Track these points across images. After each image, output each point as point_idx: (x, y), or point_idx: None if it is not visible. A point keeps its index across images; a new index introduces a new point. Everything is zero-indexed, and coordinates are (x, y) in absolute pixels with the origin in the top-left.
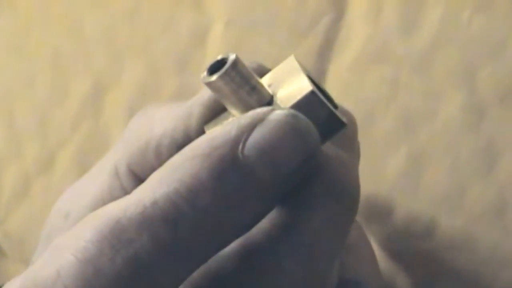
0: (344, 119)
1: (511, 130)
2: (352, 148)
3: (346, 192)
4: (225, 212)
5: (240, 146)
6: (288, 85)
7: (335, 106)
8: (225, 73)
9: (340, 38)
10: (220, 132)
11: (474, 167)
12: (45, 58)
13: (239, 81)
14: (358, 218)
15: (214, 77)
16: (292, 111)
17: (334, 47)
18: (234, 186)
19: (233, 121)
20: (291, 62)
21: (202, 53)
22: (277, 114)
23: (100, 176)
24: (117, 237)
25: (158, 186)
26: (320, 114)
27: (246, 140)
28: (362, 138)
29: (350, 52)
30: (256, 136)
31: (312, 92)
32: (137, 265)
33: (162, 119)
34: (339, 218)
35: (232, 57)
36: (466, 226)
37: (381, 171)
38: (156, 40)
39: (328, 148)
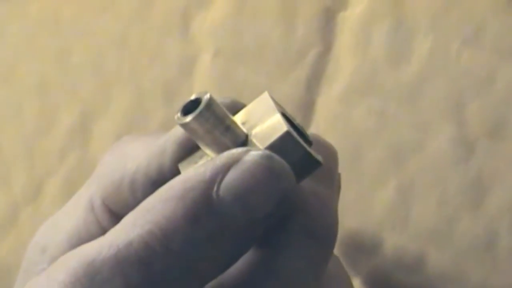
0: (319, 158)
1: (500, 163)
2: (331, 181)
3: (321, 228)
4: (199, 254)
5: (215, 188)
6: (263, 124)
7: (310, 142)
8: (199, 114)
9: (328, 70)
10: (194, 173)
11: (463, 200)
12: (32, 86)
13: (213, 122)
14: (346, 251)
15: (188, 119)
16: (267, 152)
17: (322, 79)
18: (208, 229)
19: (208, 162)
20: (265, 99)
21: (189, 82)
22: (252, 155)
23: (75, 210)
24: (90, 279)
25: (132, 227)
26: (295, 154)
27: (220, 181)
28: (350, 170)
29: (338, 84)
30: (231, 177)
31: (287, 133)
32: None
33: (135, 154)
34: (316, 254)
35: (206, 97)
36: (455, 260)
37: (369, 203)
38: (144, 70)
39: (305, 183)
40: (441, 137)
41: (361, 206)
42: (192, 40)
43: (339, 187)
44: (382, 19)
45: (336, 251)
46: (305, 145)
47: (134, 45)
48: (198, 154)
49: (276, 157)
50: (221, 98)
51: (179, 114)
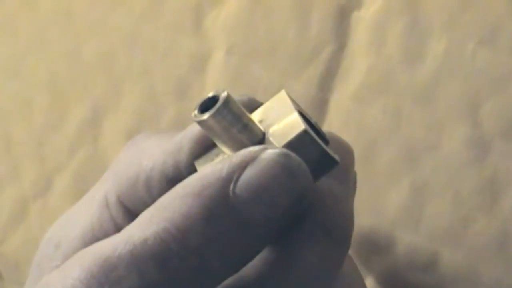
0: (336, 157)
1: None
2: (346, 179)
3: (337, 227)
4: (215, 252)
5: (232, 185)
6: (280, 122)
7: (326, 141)
8: (217, 111)
9: (342, 68)
10: (211, 170)
11: (477, 200)
12: (43, 82)
13: (230, 120)
14: (359, 250)
15: (206, 116)
16: (285, 150)
17: (336, 77)
18: (224, 226)
19: (225, 159)
20: (282, 97)
21: (202, 80)
22: (269, 153)
23: (90, 206)
24: (105, 275)
25: (148, 224)
26: (313, 152)
27: (237, 179)
28: (364, 169)
29: (352, 82)
30: (248, 175)
31: (304, 131)
32: None
33: (151, 152)
34: (331, 253)
35: (223, 95)
36: (469, 260)
37: (383, 203)
38: (156, 66)
39: (321, 180)
40: (455, 137)
41: (375, 205)
42: (204, 37)
43: (355, 186)
44: (397, 17)
45: (349, 250)
46: (322, 143)
47: (145, 41)
48: (214, 151)
49: (293, 155)
50: (238, 96)
51: (196, 112)
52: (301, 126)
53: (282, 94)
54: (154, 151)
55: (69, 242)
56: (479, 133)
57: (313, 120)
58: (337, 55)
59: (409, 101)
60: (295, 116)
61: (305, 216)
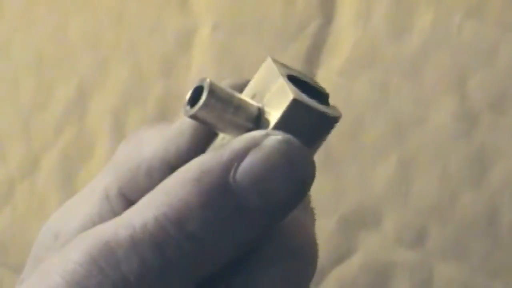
0: (335, 113)
1: (502, 137)
2: (307, 206)
3: (301, 249)
4: (213, 238)
5: (232, 172)
6: (272, 94)
7: (326, 95)
8: (204, 104)
9: (328, 43)
10: (211, 156)
11: (465, 174)
12: (29, 61)
13: (221, 106)
14: (347, 226)
15: (195, 110)
16: (287, 136)
17: (322, 51)
18: (223, 212)
19: (226, 146)
20: (269, 65)
21: (188, 56)
22: (271, 140)
23: (90, 198)
24: (105, 259)
25: (147, 209)
26: (309, 117)
27: (238, 166)
28: (351, 144)
29: (339, 57)
30: (249, 162)
31: (294, 100)
32: None
33: (152, 140)
34: (296, 275)
35: (206, 83)
36: (457, 235)
37: (370, 178)
38: (142, 44)
39: None
40: (443, 110)
41: (362, 180)
42: (190, 13)
43: (313, 215)
44: None
45: (336, 225)
46: (317, 105)
47: (131, 18)
48: (220, 135)
49: (296, 142)
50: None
51: (186, 107)
52: (289, 95)
53: (268, 62)
54: (154, 140)
55: (68, 234)
56: (467, 106)
57: (308, 77)
58: (324, 29)
59: (396, 75)
60: (283, 85)
61: (268, 237)
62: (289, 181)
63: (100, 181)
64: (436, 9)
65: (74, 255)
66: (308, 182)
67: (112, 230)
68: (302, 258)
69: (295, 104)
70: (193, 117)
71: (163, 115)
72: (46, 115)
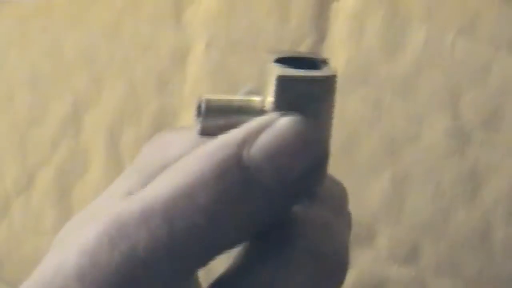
0: (326, 73)
1: (495, 154)
2: (341, 213)
3: (326, 254)
4: (223, 212)
5: (246, 147)
6: (267, 82)
7: (324, 61)
8: (204, 119)
9: None
10: (227, 134)
11: (458, 191)
12: (24, 77)
13: (223, 115)
14: None
15: (199, 126)
16: (298, 117)
17: None
18: (236, 186)
19: (241, 127)
20: (267, 57)
21: (182, 73)
22: (284, 119)
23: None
24: (116, 231)
25: (161, 182)
26: (301, 86)
27: (252, 142)
28: (344, 161)
29: None
30: (263, 139)
31: (279, 77)
32: (134, 260)
33: (176, 143)
34: (319, 280)
35: (201, 100)
36: (450, 251)
37: (363, 195)
38: (136, 60)
39: (314, 209)
40: (436, 128)
41: (355, 197)
42: (185, 31)
43: (350, 225)
44: (376, 9)
45: None
46: (304, 73)
47: (126, 35)
48: None
49: (308, 121)
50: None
51: (197, 128)
52: (274, 72)
53: (267, 55)
54: (178, 142)
55: None
56: (460, 124)
57: (307, 53)
58: (317, 47)
59: (389, 92)
60: (270, 68)
61: (295, 238)
62: (302, 157)
63: (121, 185)
64: (429, 27)
65: (89, 228)
66: (321, 159)
67: (126, 204)
68: (327, 263)
69: (281, 80)
70: (202, 132)
71: (158, 131)
72: (42, 131)
